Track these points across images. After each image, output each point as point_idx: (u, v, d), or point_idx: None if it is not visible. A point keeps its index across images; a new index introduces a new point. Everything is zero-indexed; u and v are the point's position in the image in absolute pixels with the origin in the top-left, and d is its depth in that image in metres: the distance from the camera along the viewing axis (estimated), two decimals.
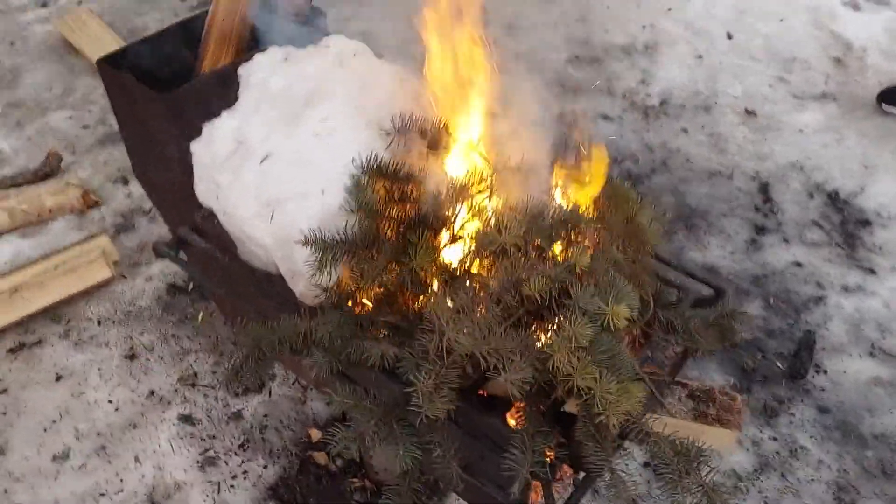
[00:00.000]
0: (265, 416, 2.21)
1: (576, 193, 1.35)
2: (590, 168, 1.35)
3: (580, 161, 1.37)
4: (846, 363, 2.36)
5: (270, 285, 1.40)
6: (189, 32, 1.69)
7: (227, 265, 1.42)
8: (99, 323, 2.49)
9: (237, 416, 2.22)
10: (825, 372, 2.34)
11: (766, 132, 3.18)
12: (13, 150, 3.16)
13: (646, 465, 1.94)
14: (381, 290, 1.24)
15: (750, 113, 3.25)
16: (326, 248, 1.20)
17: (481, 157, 1.34)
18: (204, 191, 1.36)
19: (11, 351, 2.39)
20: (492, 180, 1.28)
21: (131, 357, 2.39)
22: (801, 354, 2.36)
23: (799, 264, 2.66)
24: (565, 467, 1.38)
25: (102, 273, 2.58)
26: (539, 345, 1.13)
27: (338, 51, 1.39)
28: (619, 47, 3.61)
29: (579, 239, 1.24)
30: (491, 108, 1.38)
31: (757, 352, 2.39)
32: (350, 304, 1.27)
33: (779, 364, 2.35)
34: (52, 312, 2.49)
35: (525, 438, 1.12)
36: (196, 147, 1.37)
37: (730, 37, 3.58)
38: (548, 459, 1.16)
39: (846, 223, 2.82)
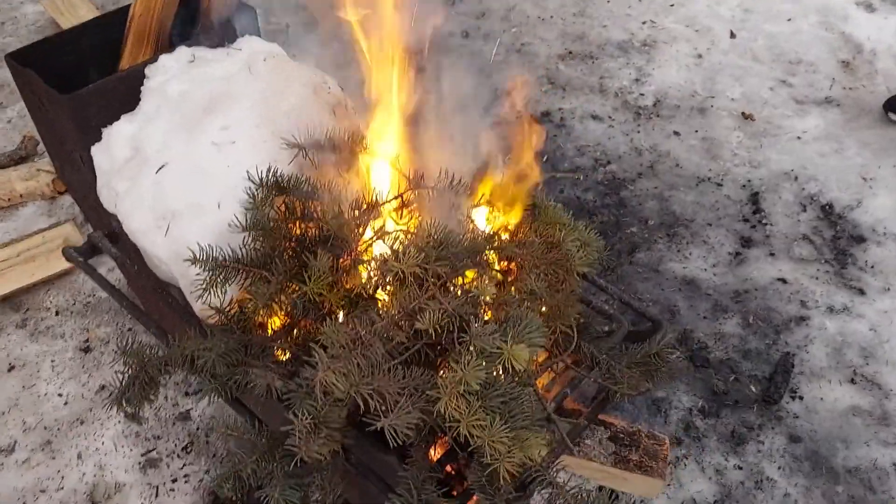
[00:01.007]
0: (213, 417, 2.16)
1: (498, 215, 1.25)
2: (517, 187, 1.25)
3: (508, 179, 1.27)
4: (824, 389, 2.24)
5: (178, 298, 1.32)
6: (118, 26, 1.59)
7: (136, 274, 1.35)
8: (57, 313, 2.45)
9: (185, 416, 2.17)
10: (801, 398, 2.22)
11: (762, 138, 3.02)
12: None
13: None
14: (279, 314, 1.16)
15: (747, 117, 3.10)
16: (217, 267, 1.12)
17: (397, 174, 1.24)
18: (106, 197, 1.29)
19: None
20: (404, 199, 1.18)
21: (86, 350, 2.35)
22: (776, 378, 2.24)
23: (784, 281, 2.53)
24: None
25: (64, 262, 2.53)
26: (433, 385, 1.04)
27: (249, 54, 1.30)
28: (616, 44, 3.46)
29: (492, 267, 1.15)
30: (414, 120, 1.28)
31: (730, 373, 2.27)
32: (247, 327, 1.19)
33: (752, 387, 2.24)
34: (11, 301, 2.46)
35: (412, 484, 1.04)
36: (96, 151, 1.30)
37: (733, 36, 3.42)
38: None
39: (839, 239, 2.67)
